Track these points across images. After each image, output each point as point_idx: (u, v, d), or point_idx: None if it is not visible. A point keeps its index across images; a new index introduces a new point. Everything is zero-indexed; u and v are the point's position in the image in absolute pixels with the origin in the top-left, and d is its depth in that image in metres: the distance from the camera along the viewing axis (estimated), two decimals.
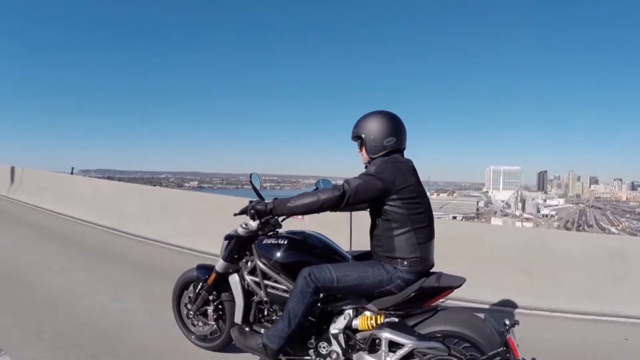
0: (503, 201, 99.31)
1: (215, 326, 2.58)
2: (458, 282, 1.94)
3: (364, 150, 2.11)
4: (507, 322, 1.91)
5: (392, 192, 1.93)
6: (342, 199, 1.90)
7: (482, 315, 1.95)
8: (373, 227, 2.06)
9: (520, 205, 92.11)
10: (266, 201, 2.12)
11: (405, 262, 1.93)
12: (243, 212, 2.20)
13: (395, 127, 2.06)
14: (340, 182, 2.01)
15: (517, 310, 3.59)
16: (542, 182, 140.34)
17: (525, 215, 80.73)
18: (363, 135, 2.08)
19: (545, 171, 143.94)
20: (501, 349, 1.80)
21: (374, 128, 2.05)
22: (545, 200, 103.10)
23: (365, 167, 2.08)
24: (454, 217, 64.06)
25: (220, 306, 2.53)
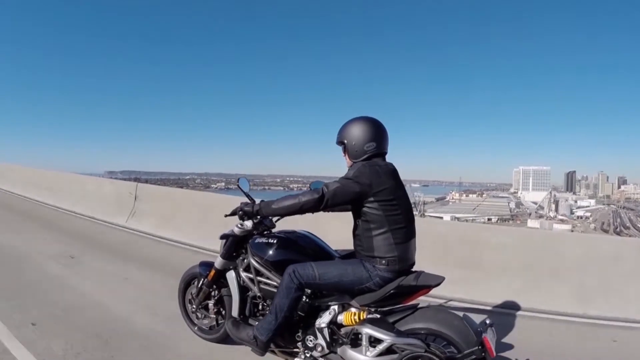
0: (536, 203, 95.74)
1: (216, 319, 2.75)
2: (436, 281, 2.00)
3: (347, 155, 2.19)
4: (487, 322, 1.97)
5: (370, 195, 2.01)
6: (321, 202, 2.00)
7: (460, 314, 2.01)
8: (355, 227, 2.15)
9: (553, 206, 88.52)
10: (254, 203, 2.26)
11: (384, 261, 2.01)
12: (233, 213, 2.35)
13: (376, 132, 2.13)
14: None
15: (496, 310, 3.56)
16: (570, 183, 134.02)
17: (560, 217, 77.41)
18: (345, 141, 2.16)
19: (574, 171, 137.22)
20: (476, 347, 1.85)
21: (355, 134, 2.13)
22: (576, 202, 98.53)
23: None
24: (489, 219, 62.04)
25: (221, 300, 2.70)
